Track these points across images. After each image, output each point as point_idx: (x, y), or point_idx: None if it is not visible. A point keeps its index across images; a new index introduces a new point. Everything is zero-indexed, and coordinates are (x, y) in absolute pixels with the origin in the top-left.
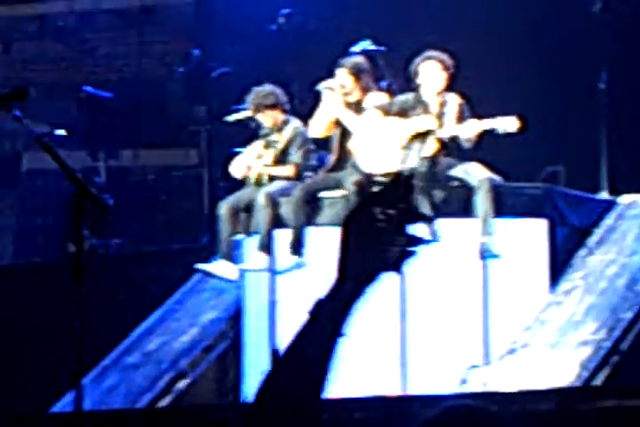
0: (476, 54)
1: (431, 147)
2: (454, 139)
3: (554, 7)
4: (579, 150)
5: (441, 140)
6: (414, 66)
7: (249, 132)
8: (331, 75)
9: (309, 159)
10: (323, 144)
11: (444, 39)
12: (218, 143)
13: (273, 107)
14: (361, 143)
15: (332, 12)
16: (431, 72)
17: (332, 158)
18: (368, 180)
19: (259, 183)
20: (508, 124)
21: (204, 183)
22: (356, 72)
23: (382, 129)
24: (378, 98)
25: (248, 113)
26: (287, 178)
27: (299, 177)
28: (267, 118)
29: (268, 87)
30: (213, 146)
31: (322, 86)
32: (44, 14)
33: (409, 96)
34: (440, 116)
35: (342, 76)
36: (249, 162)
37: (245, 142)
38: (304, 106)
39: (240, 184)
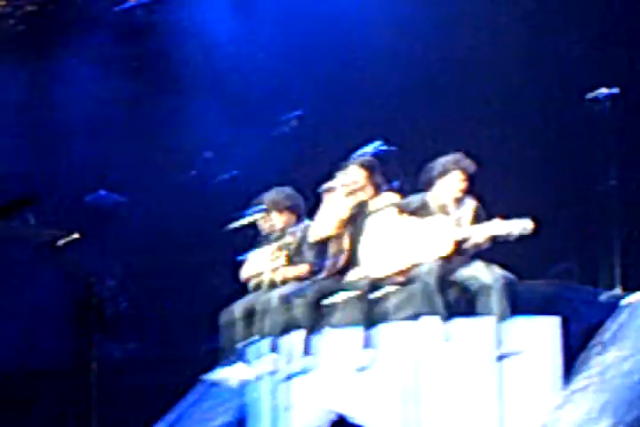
0: (486, 154)
1: (447, 247)
2: (468, 239)
3: (561, 107)
4: (591, 246)
5: (456, 241)
6: (438, 170)
7: (252, 238)
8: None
9: (322, 258)
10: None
11: (457, 141)
12: (223, 249)
13: (290, 209)
14: (374, 242)
15: (341, 113)
16: (453, 181)
17: (342, 259)
18: (380, 280)
19: (272, 286)
20: (522, 226)
21: (209, 289)
22: (368, 168)
23: (397, 228)
24: (390, 198)
25: (258, 216)
26: (300, 278)
27: (312, 275)
28: (281, 219)
29: (287, 189)
30: (220, 251)
31: (333, 183)
32: None
33: (425, 196)
34: (455, 217)
35: (354, 171)
36: (261, 266)
37: (249, 248)
38: (311, 209)
39: (245, 290)
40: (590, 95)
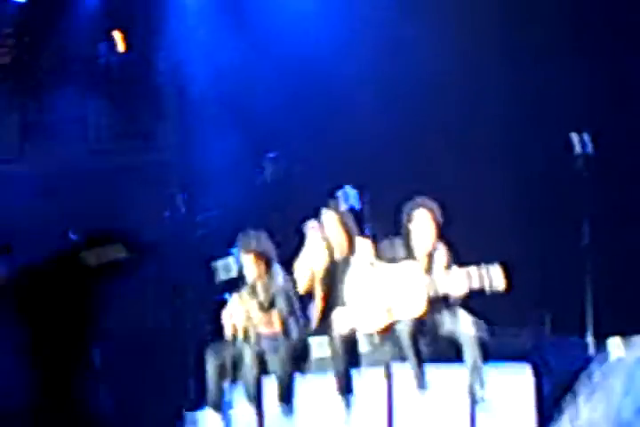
0: (460, 202)
1: (420, 306)
2: (441, 293)
3: (536, 161)
4: (564, 296)
5: (429, 298)
6: (407, 211)
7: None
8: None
9: (294, 307)
10: (307, 295)
11: (430, 187)
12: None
13: (260, 253)
14: (348, 294)
15: (317, 157)
16: (423, 220)
17: (316, 311)
18: (355, 333)
19: (246, 337)
20: (493, 275)
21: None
22: (340, 213)
23: (372, 280)
24: (363, 243)
25: (233, 261)
26: (274, 332)
27: (285, 327)
28: (250, 262)
29: (259, 233)
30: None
31: (307, 226)
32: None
33: (396, 242)
34: (428, 263)
35: (327, 216)
36: (235, 312)
37: (231, 288)
38: (286, 254)
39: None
40: (576, 152)
